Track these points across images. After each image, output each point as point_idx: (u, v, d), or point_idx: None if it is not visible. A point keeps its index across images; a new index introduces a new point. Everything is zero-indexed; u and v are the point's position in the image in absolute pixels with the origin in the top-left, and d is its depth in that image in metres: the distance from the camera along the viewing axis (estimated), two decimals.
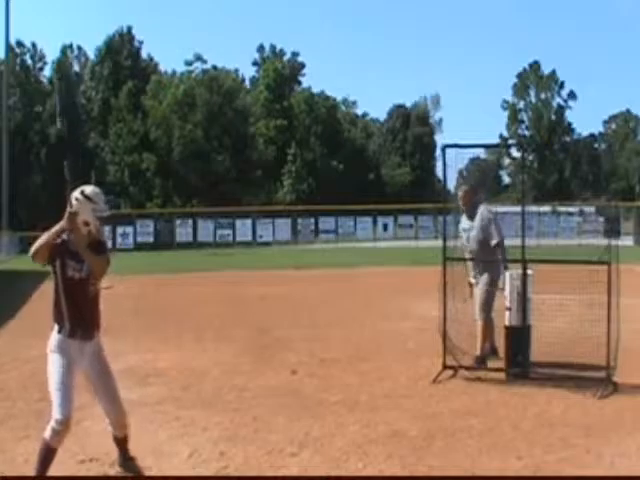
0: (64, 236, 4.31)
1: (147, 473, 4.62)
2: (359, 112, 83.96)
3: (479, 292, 7.65)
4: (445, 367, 7.20)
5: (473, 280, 7.78)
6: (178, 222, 42.34)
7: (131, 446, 4.65)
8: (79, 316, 4.34)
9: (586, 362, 6.88)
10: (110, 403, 4.46)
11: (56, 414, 4.16)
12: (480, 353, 7.58)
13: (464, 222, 7.92)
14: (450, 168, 7.68)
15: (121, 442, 4.60)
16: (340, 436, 5.39)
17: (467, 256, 7.86)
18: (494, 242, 7.61)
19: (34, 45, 66.24)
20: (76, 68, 68.31)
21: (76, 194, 4.39)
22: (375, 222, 42.80)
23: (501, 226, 7.83)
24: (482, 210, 7.80)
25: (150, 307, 13.97)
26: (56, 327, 4.36)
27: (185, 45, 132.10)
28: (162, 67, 67.79)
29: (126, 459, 4.62)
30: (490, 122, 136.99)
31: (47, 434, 4.18)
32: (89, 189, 4.45)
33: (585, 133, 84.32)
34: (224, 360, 8.34)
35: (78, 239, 4.29)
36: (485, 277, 7.61)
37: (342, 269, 22.97)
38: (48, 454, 4.19)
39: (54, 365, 4.28)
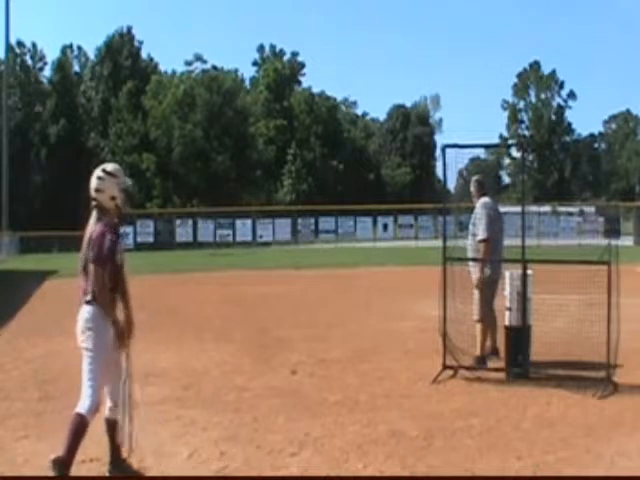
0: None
1: (147, 473, 4.62)
2: (359, 112, 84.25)
3: (474, 292, 7.59)
4: (445, 367, 7.19)
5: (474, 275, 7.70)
6: (178, 222, 42.33)
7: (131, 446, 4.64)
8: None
9: (586, 362, 6.88)
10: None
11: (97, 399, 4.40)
12: (480, 353, 7.57)
13: None
14: (450, 168, 7.68)
15: (115, 434, 4.58)
16: (340, 436, 5.38)
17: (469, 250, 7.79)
18: (479, 238, 7.54)
19: (34, 45, 66.43)
20: (76, 68, 68.35)
21: (98, 173, 4.51)
22: (375, 222, 42.76)
23: (499, 222, 7.71)
24: (480, 203, 7.73)
25: (150, 307, 13.91)
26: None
27: (185, 45, 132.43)
28: (162, 67, 68.06)
29: (120, 460, 4.59)
30: (490, 122, 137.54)
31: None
32: (110, 166, 4.60)
33: (585, 133, 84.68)
34: (224, 360, 8.33)
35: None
36: (474, 276, 7.54)
37: (342, 269, 22.96)
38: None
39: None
